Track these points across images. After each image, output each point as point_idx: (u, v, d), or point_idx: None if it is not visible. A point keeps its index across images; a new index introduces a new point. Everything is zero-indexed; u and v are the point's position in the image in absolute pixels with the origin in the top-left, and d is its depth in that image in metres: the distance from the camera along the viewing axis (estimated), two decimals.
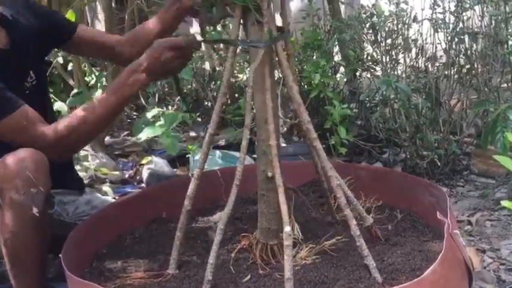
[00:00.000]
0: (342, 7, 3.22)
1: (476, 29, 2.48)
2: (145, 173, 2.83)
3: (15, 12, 1.69)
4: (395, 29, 2.67)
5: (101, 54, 1.98)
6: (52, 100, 2.07)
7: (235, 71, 3.39)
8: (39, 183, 1.45)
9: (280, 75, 1.52)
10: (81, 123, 1.53)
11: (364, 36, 2.79)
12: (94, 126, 1.54)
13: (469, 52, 2.51)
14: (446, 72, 2.58)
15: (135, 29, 1.97)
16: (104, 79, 3.06)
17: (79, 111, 1.55)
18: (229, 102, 3.22)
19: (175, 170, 2.96)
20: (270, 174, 1.42)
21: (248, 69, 1.48)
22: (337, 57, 3.09)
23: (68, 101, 2.73)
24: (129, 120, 4.16)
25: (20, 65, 1.66)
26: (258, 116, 1.46)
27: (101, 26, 3.48)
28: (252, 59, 1.43)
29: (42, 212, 1.47)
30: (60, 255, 1.44)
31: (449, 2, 2.51)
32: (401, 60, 2.69)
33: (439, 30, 2.54)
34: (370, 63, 2.89)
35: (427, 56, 2.69)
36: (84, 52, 2.11)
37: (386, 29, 2.65)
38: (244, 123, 1.42)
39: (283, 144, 2.85)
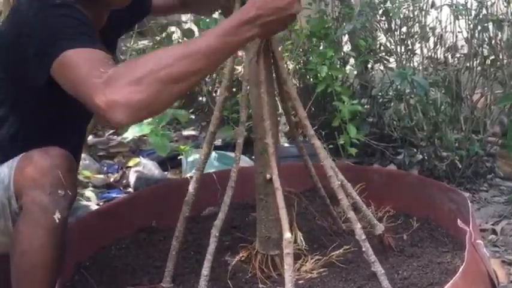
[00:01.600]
0: None
1: (501, 16, 2.48)
2: (132, 177, 2.83)
3: None
4: (412, 15, 2.67)
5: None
6: None
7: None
8: (68, 186, 1.39)
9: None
10: (159, 63, 1.24)
11: (376, 24, 2.79)
12: (180, 69, 1.24)
13: (493, 41, 2.51)
14: (468, 64, 2.58)
15: None
16: None
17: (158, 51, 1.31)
18: None
19: (166, 173, 2.96)
20: (268, 176, 1.43)
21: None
22: (346, 48, 3.09)
23: None
24: None
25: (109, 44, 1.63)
26: (254, 113, 1.47)
27: None
28: (248, 49, 1.45)
29: (64, 221, 1.40)
30: None
31: None
32: (418, 51, 2.69)
33: (460, 17, 2.54)
34: (383, 54, 2.88)
35: (447, 46, 2.69)
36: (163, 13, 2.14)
37: (401, 15, 2.65)
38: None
39: (286, 144, 2.85)
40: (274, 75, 1.51)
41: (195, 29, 3.59)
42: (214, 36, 1.30)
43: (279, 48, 3.07)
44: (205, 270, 1.37)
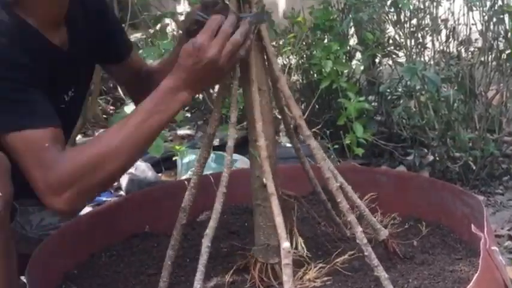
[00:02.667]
0: None
1: None
2: (124, 179, 2.83)
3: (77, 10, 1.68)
4: (422, 7, 2.67)
5: (137, 88, 1.92)
6: None
7: None
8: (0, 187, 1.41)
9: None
10: (94, 165, 1.38)
11: (385, 15, 2.79)
12: (112, 168, 1.40)
13: (509, 34, 2.50)
14: (482, 59, 2.58)
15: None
16: None
17: (94, 146, 1.42)
18: None
19: (159, 175, 2.96)
20: (265, 180, 1.43)
21: None
22: (352, 41, 3.09)
23: None
24: (104, 116, 4.16)
25: (72, 71, 1.66)
26: (247, 113, 1.47)
27: None
28: None
29: (2, 220, 1.42)
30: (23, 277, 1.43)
31: None
32: (429, 44, 2.69)
33: (474, 8, 2.54)
34: (392, 47, 2.89)
35: (460, 39, 2.69)
36: (124, 80, 2.03)
37: (411, 7, 2.65)
38: (241, 120, 1.43)
39: (288, 145, 2.85)
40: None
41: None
42: (134, 126, 1.39)
43: (280, 42, 3.07)
44: (197, 284, 1.36)
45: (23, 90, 1.41)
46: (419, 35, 2.70)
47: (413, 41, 2.69)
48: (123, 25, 3.36)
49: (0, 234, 1.43)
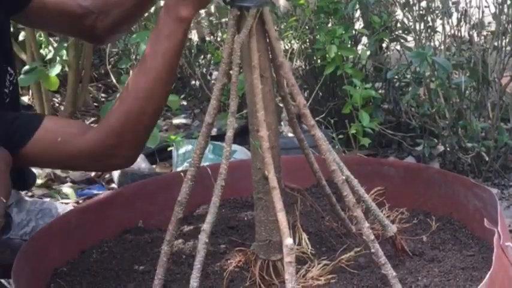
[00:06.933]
0: None
1: None
2: (115, 171, 2.84)
3: None
4: None
5: (62, 27, 1.87)
6: None
7: None
8: None
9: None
10: (126, 113, 1.47)
11: None
12: (144, 109, 1.48)
13: None
14: (496, 43, 2.58)
15: None
16: (64, 52, 3.05)
17: (122, 102, 1.49)
18: None
19: (154, 166, 2.96)
20: (267, 172, 1.42)
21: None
22: (358, 25, 3.08)
23: (18, 79, 2.73)
24: (95, 104, 4.16)
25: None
26: (249, 101, 1.46)
27: None
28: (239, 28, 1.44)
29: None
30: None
31: None
32: (440, 28, 2.68)
33: None
34: (400, 31, 2.88)
35: (472, 22, 2.68)
36: (41, 24, 1.96)
37: None
38: (241, 108, 1.42)
39: (291, 134, 2.85)
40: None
41: None
42: (149, 61, 1.44)
43: (282, 26, 3.06)
44: (194, 282, 1.36)
45: None
46: (429, 18, 2.69)
47: (422, 24, 2.69)
48: None
49: None
